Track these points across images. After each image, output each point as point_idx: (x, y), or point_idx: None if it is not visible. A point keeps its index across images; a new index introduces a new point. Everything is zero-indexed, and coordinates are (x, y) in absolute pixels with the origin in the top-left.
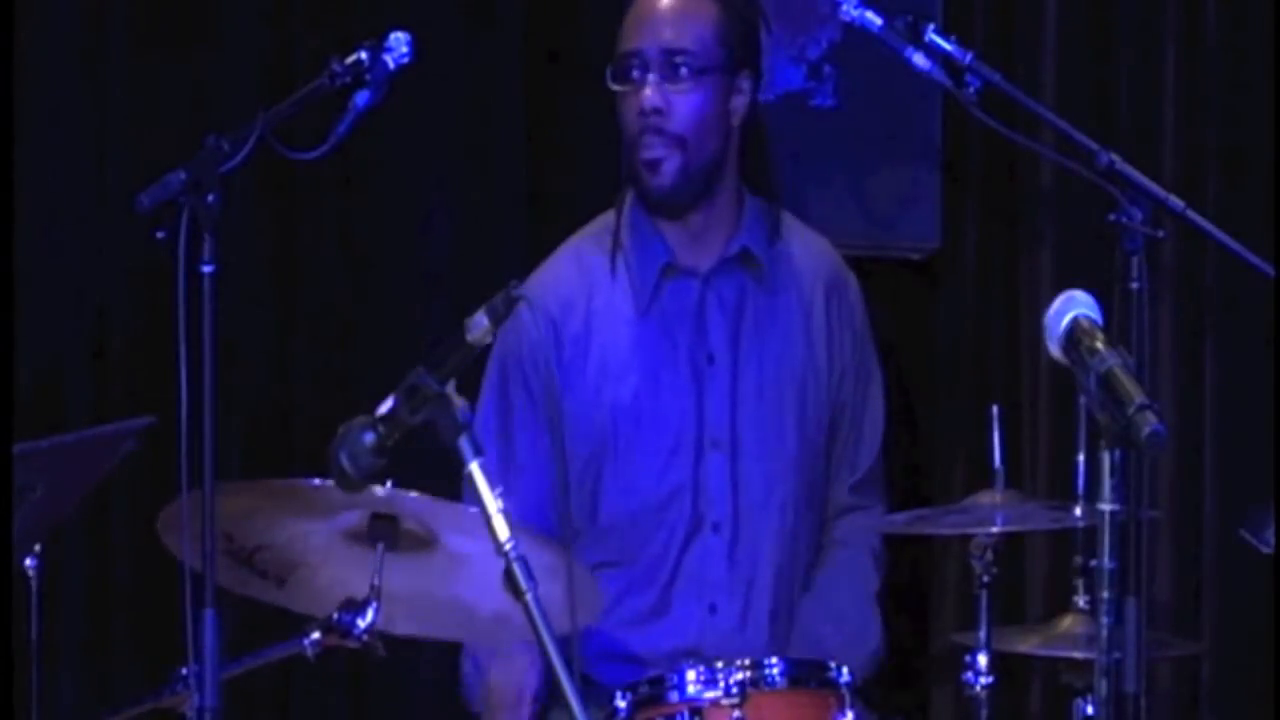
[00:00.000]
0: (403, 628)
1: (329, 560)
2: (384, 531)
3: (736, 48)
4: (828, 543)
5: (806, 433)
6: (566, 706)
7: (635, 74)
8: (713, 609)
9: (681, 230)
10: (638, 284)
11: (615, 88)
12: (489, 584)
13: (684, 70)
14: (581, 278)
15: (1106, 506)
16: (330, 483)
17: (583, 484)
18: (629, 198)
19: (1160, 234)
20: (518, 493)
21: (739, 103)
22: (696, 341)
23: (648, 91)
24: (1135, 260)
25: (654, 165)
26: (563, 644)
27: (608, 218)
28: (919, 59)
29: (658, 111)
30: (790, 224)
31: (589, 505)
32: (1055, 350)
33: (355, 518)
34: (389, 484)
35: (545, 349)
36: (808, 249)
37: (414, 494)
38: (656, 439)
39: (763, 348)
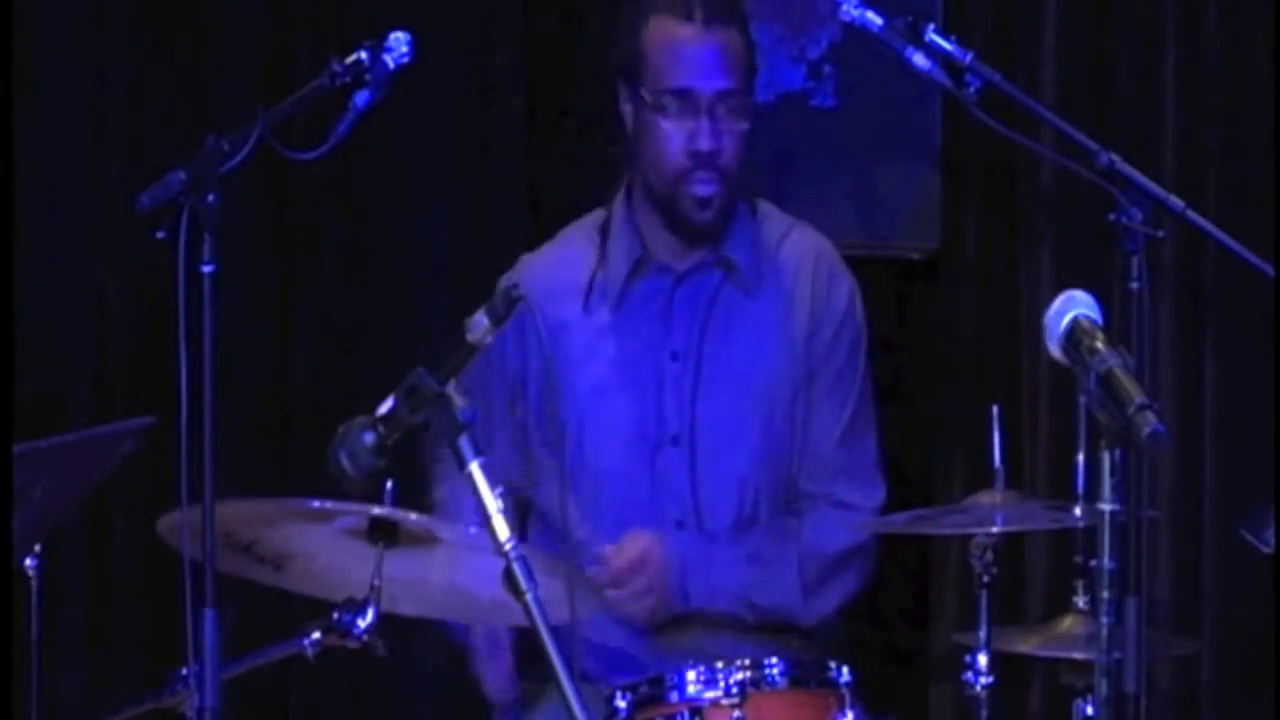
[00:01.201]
0: (404, 608)
1: (328, 551)
2: (384, 532)
3: (754, 66)
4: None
5: (773, 432)
6: (566, 706)
7: (687, 113)
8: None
9: (669, 235)
10: (611, 278)
11: (664, 124)
12: (489, 573)
13: (733, 106)
14: (563, 267)
15: (1106, 506)
16: (329, 504)
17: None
18: (621, 195)
19: (1160, 234)
20: None
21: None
22: (661, 340)
23: (704, 133)
24: (1135, 260)
25: (706, 202)
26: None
27: (599, 212)
28: (919, 59)
29: (714, 153)
30: (784, 223)
31: (555, 492)
32: (1055, 350)
33: (354, 520)
34: (389, 484)
35: (516, 331)
36: (799, 249)
37: (414, 515)
38: (612, 433)
39: (730, 347)
